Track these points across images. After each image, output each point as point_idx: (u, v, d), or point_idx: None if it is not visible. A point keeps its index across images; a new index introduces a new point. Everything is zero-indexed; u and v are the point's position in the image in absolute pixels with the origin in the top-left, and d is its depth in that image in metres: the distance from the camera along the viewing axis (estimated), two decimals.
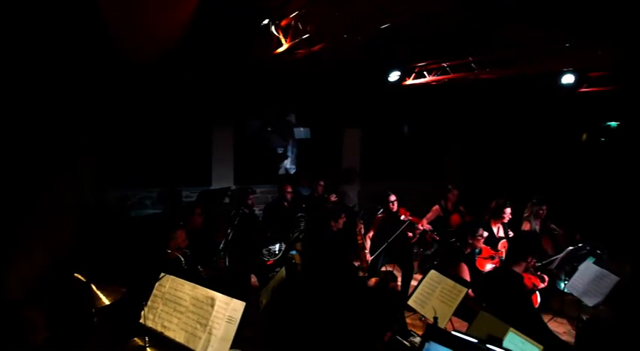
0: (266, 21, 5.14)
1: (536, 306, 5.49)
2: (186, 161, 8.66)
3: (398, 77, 7.74)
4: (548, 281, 5.33)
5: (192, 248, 4.59)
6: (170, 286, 3.27)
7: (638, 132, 12.10)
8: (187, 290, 3.20)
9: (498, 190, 8.04)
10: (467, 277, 4.43)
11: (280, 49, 5.18)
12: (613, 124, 12.10)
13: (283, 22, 5.05)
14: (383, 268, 6.46)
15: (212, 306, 3.05)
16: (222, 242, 5.42)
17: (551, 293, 5.96)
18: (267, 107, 9.18)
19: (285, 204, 7.00)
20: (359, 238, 6.17)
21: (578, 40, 5.72)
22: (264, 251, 6.16)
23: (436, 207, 7.29)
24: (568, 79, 7.28)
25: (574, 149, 12.57)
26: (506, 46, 6.16)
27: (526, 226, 6.36)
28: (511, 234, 6.14)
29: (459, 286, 3.77)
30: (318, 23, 4.58)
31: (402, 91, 8.37)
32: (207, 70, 7.39)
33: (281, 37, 5.11)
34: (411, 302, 4.09)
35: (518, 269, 3.52)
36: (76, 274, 3.07)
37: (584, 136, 13.80)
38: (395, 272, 6.37)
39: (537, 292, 5.41)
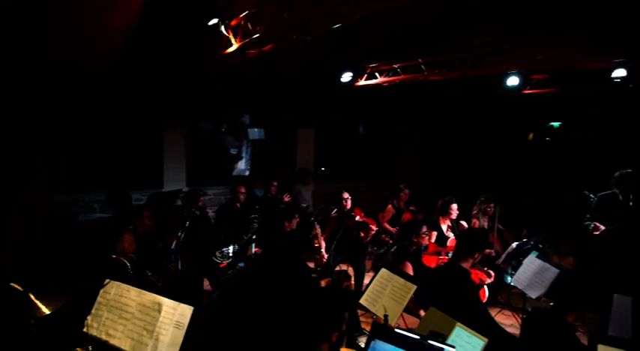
0: (215, 20, 5.07)
1: (484, 300, 5.69)
2: (136, 163, 8.41)
3: (350, 78, 7.82)
4: (495, 276, 5.54)
5: (141, 252, 4.46)
6: (115, 293, 3.16)
7: (578, 131, 12.75)
8: (133, 296, 3.10)
9: (449, 188, 8.28)
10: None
11: (230, 49, 5.12)
12: (555, 124, 12.70)
13: (233, 22, 5.00)
14: (337, 268, 6.51)
15: (159, 311, 2.97)
16: (173, 245, 5.29)
17: (499, 287, 6.18)
18: (219, 108, 9.06)
19: (238, 205, 6.92)
20: (315, 241, 6.20)
21: (520, 44, 5.98)
22: (218, 254, 6.06)
23: (389, 207, 7.42)
24: (513, 81, 7.60)
25: (522, 148, 13.10)
26: (454, 49, 6.36)
27: (475, 224, 6.56)
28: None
29: (408, 284, 3.84)
30: (267, 23, 4.56)
31: (356, 91, 8.47)
32: (156, 71, 7.22)
33: (231, 36, 5.05)
34: (362, 301, 4.13)
35: (465, 265, 3.62)
36: (12, 284, 2.92)
37: (531, 136, 14.40)
38: (349, 272, 6.43)
39: (485, 287, 5.61)
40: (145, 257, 4.56)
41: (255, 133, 10.24)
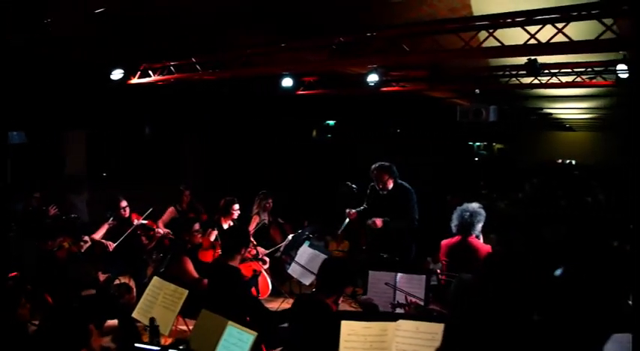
0: None
1: (268, 291, 5.92)
2: None
3: (122, 75, 7.27)
4: (277, 267, 5.79)
5: None
6: None
7: (350, 129, 14.31)
8: None
9: (235, 187, 8.38)
10: (191, 269, 4.51)
11: None
12: (331, 122, 14.05)
13: None
14: (117, 281, 6.00)
15: None
16: None
17: (283, 278, 6.49)
18: None
19: None
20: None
21: (291, 46, 6.32)
22: None
23: (171, 208, 7.13)
24: (287, 82, 8.03)
25: (306, 145, 14.09)
26: (226, 48, 6.40)
27: (256, 220, 6.75)
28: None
29: (180, 289, 3.72)
30: None
31: (131, 90, 7.92)
32: None
33: None
34: (135, 314, 3.88)
35: (234, 263, 3.67)
36: None
37: (315, 133, 15.62)
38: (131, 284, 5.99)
39: (267, 278, 5.83)
40: None
41: (14, 136, 8.79)
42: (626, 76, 6.11)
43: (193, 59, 6.61)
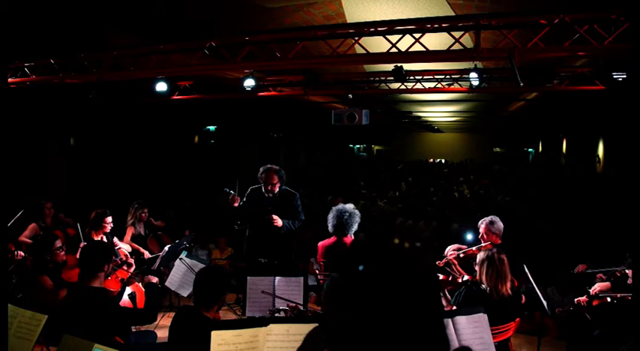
0: None
1: (143, 306, 5.59)
2: None
3: None
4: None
5: None
6: None
7: (231, 134, 14.13)
8: None
9: (109, 199, 7.82)
10: (48, 287, 4.16)
11: None
12: (212, 128, 13.76)
13: None
14: None
15: None
16: None
17: (164, 291, 6.17)
18: None
19: None
20: None
21: (160, 49, 6.06)
22: None
23: (33, 225, 6.44)
24: (161, 86, 7.67)
25: (188, 151, 13.61)
26: (90, 50, 5.97)
27: (131, 231, 6.37)
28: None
29: (37, 316, 3.37)
30: None
31: None
32: None
33: None
34: None
35: (97, 282, 3.41)
36: None
37: (197, 139, 15.17)
38: None
39: (145, 293, 5.50)
40: None
41: None
42: (477, 83, 6.82)
43: (52, 60, 6.05)
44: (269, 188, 5.27)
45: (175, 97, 8.14)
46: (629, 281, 3.69)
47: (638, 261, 3.05)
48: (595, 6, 4.17)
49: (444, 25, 4.43)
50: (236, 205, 5.35)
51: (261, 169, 5.41)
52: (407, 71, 6.79)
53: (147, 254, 6.27)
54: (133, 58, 5.85)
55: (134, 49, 5.61)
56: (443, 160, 28.65)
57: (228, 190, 5.85)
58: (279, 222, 5.15)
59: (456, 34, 4.52)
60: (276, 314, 3.78)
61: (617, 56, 5.80)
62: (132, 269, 4.85)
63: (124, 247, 5.99)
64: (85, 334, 3.11)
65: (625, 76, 6.22)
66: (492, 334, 3.21)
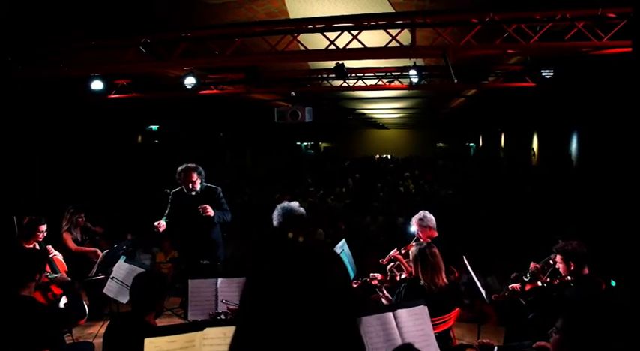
0: None
1: (85, 316, 5.34)
2: None
3: None
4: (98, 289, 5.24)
5: None
6: None
7: (173, 134, 13.77)
8: None
9: (42, 203, 7.41)
10: None
11: None
12: (154, 127, 13.33)
13: None
14: None
15: None
16: None
17: (101, 298, 5.91)
18: None
19: None
20: None
21: (92, 45, 5.80)
22: None
23: None
24: (97, 85, 7.33)
25: (132, 151, 13.10)
26: (19, 47, 5.61)
27: (67, 237, 6.05)
28: None
29: None
30: None
31: None
32: None
33: None
34: None
35: (27, 292, 3.22)
36: None
37: (140, 139, 14.65)
38: None
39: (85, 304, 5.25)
40: None
41: None
42: (416, 80, 6.98)
43: None
44: (190, 187, 5.28)
45: (112, 96, 7.82)
46: (557, 266, 3.89)
47: (638, 261, 3.22)
48: (520, 6, 4.37)
49: (380, 22, 4.49)
50: (161, 231, 5.33)
51: (178, 170, 5.40)
52: (348, 69, 6.85)
53: (99, 252, 5.96)
54: (63, 54, 5.55)
55: (65, 45, 5.32)
56: (389, 156, 29.21)
57: (168, 191, 5.70)
58: (209, 211, 5.13)
59: (393, 32, 4.59)
60: (217, 318, 3.70)
61: (545, 54, 6.13)
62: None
63: (59, 255, 5.68)
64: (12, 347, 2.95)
65: (552, 74, 6.55)
66: (433, 324, 3.28)
